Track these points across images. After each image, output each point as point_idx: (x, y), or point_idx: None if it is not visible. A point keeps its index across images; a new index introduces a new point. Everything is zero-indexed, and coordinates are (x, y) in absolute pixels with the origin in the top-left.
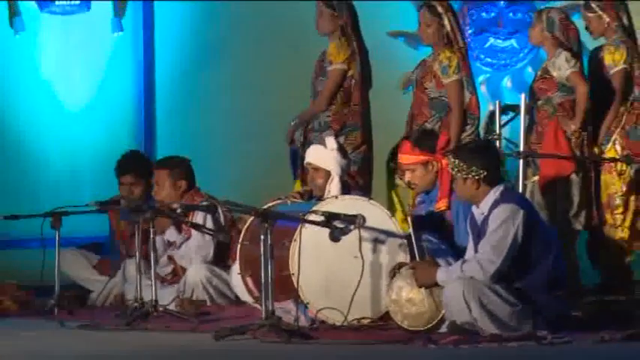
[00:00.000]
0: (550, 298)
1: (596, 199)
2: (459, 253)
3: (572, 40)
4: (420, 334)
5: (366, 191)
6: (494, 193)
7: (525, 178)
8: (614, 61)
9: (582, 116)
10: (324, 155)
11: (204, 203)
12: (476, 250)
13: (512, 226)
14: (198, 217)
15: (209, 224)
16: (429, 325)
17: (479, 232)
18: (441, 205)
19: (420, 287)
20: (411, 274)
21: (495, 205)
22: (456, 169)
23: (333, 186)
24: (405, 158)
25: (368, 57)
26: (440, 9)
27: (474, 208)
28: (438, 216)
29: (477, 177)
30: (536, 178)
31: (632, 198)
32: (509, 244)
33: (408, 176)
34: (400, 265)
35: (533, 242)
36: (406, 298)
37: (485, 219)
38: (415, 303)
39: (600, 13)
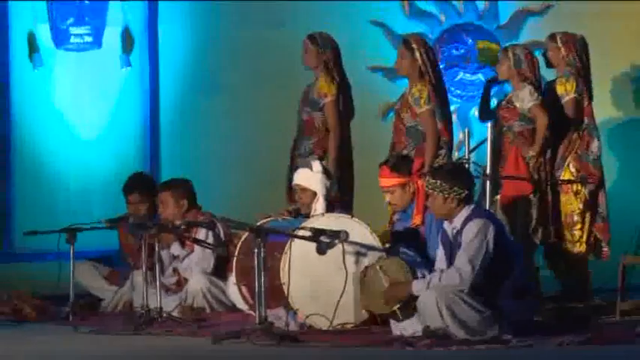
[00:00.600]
0: (515, 305)
1: (554, 218)
2: (431, 264)
3: (536, 74)
4: (399, 338)
5: (348, 209)
6: (467, 210)
7: (491, 197)
8: (566, 90)
9: (541, 144)
10: (310, 177)
11: (205, 221)
12: (449, 261)
13: (485, 238)
14: (201, 233)
15: (210, 239)
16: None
17: (451, 245)
18: (417, 220)
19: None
20: (375, 270)
21: (468, 220)
22: (437, 189)
23: (319, 205)
24: (384, 181)
25: (350, 90)
26: (414, 44)
27: (445, 224)
28: (413, 231)
29: (457, 196)
30: (497, 197)
31: (588, 215)
32: (482, 255)
33: (387, 197)
34: (366, 269)
35: (501, 253)
36: (372, 288)
37: (458, 233)
38: (376, 283)
39: (560, 45)
